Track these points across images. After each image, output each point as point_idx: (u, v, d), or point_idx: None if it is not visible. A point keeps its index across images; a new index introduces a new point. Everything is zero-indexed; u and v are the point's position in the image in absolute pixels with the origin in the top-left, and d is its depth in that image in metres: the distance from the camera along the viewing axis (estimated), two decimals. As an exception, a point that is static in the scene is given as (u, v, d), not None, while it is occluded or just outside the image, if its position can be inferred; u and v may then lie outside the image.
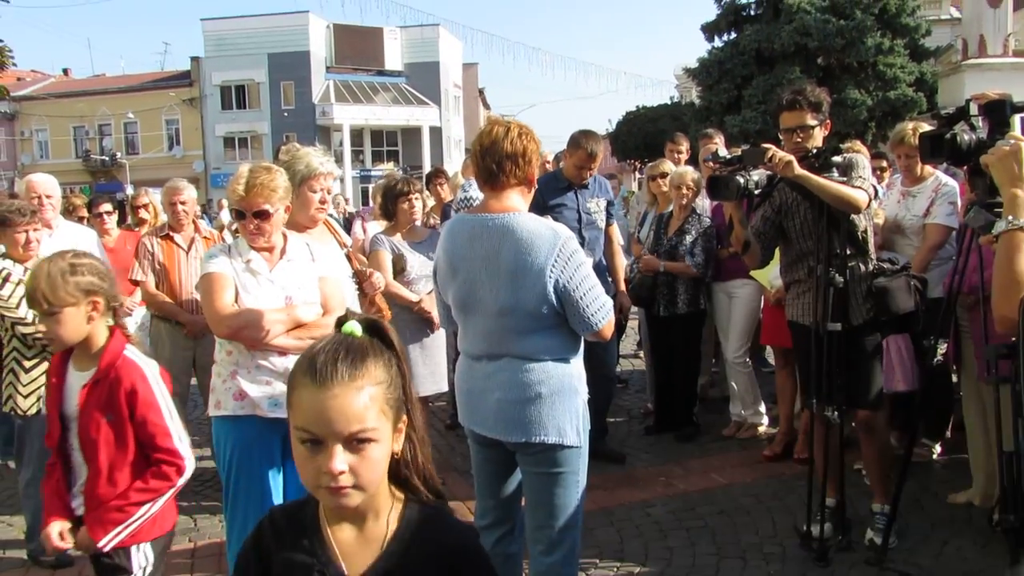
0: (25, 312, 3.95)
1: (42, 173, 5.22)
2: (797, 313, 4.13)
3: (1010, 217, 1.80)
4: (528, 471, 2.94)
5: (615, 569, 4.02)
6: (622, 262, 5.66)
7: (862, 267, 3.98)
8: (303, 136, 40.50)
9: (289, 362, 3.20)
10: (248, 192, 3.14)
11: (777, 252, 4.26)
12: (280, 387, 3.18)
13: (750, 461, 5.39)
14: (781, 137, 4.07)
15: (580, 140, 5.12)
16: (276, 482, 3.25)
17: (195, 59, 46.00)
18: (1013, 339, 2.61)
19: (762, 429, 5.88)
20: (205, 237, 5.43)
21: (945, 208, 4.74)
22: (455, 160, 41.09)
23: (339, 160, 42.48)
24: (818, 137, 3.98)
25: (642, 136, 36.20)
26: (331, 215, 4.37)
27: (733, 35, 27.62)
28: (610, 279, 5.43)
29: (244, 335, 3.11)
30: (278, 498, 3.26)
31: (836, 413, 3.83)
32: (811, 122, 3.94)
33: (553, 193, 5.12)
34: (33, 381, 4.07)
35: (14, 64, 20.61)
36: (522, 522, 3.12)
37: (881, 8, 25.60)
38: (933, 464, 5.12)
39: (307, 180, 3.55)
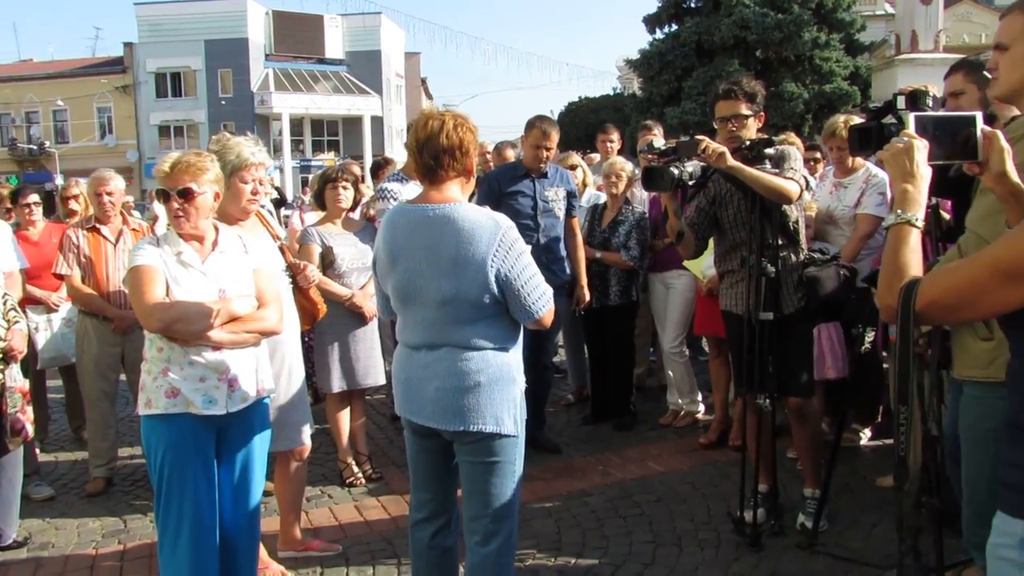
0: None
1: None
2: (730, 302, 4.18)
3: (899, 210, 1.87)
4: (465, 460, 2.93)
5: (552, 559, 4.02)
6: (583, 255, 5.67)
7: (793, 257, 4.04)
8: (241, 125, 39.85)
9: (224, 356, 3.12)
10: (172, 169, 3.05)
11: (711, 242, 4.30)
12: (214, 382, 3.10)
13: (686, 449, 5.44)
14: (716, 126, 4.12)
15: (534, 121, 5.32)
16: (211, 482, 3.16)
17: (128, 45, 44.87)
18: (929, 328, 2.67)
19: (699, 417, 5.95)
20: (133, 229, 5.29)
21: (875, 199, 4.83)
22: (397, 150, 40.79)
23: (278, 150, 42.03)
24: (752, 128, 4.03)
25: (584, 127, 36.39)
26: (263, 207, 4.28)
27: (674, 27, 27.97)
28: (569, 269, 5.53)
29: (177, 328, 3.03)
30: (212, 499, 3.17)
31: (768, 401, 3.88)
32: (745, 112, 3.99)
33: (510, 181, 5.28)
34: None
35: (-67, 49, 19.90)
36: (458, 515, 3.11)
37: (818, 3, 26.15)
38: (863, 449, 5.23)
39: (238, 171, 3.47)
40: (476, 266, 2.72)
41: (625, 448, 5.51)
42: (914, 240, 1.85)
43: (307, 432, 3.94)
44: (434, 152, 2.79)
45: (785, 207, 3.94)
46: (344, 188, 4.89)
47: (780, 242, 3.94)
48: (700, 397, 6.01)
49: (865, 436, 5.31)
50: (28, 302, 5.23)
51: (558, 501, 4.67)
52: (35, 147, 44.56)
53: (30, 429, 4.20)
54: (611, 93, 41.39)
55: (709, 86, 22.47)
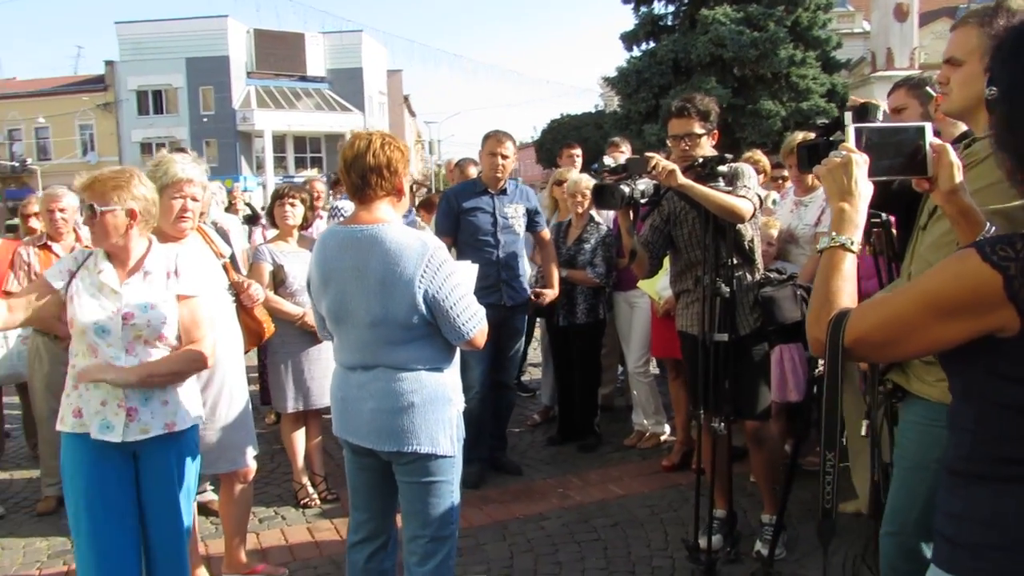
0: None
1: None
2: (686, 323, 4.11)
3: (833, 233, 1.69)
4: (402, 481, 2.92)
5: (503, 585, 3.94)
6: (555, 267, 5.60)
7: (749, 277, 3.98)
8: (224, 142, 39.81)
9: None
10: (87, 185, 2.94)
11: (667, 262, 4.24)
12: (113, 409, 2.92)
13: (648, 471, 5.36)
14: (669, 144, 4.08)
15: (487, 133, 5.34)
16: (120, 505, 2.98)
17: (110, 63, 44.75)
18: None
19: (664, 438, 5.87)
20: (86, 246, 5.18)
21: (834, 217, 4.79)
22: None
23: (261, 167, 41.93)
24: (705, 146, 3.97)
25: (566, 144, 36.41)
26: (211, 223, 4.20)
27: (651, 45, 28.03)
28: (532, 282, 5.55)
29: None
30: (121, 523, 2.98)
31: (722, 424, 3.81)
32: (698, 130, 3.94)
33: (468, 197, 5.25)
34: None
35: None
36: (396, 538, 3.08)
37: (794, 21, 26.28)
38: (827, 471, 5.15)
39: (166, 188, 3.41)
40: (404, 287, 2.71)
41: (587, 470, 5.43)
42: (848, 266, 1.67)
43: (251, 454, 3.86)
44: (361, 171, 2.78)
45: (740, 226, 3.88)
46: (291, 205, 4.81)
47: (735, 261, 3.89)
48: (665, 418, 5.94)
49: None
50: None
51: (514, 524, 4.58)
52: (17, 164, 44.31)
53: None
54: (593, 110, 41.48)
55: (688, 104, 22.50)
